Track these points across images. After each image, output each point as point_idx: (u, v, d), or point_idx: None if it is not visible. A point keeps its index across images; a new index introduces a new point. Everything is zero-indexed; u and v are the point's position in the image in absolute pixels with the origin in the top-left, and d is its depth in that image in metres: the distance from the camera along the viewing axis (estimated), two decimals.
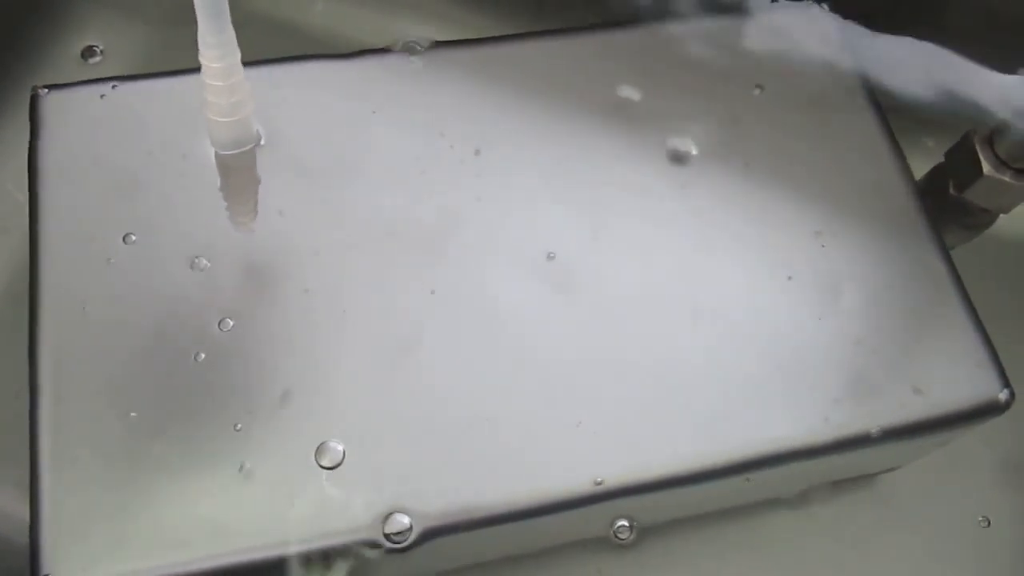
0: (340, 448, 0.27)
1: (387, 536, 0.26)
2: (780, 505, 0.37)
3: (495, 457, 0.28)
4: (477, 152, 0.33)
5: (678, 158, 0.33)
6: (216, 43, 0.22)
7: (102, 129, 0.32)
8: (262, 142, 0.26)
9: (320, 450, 0.27)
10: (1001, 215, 0.36)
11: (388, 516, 0.26)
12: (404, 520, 0.26)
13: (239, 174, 0.31)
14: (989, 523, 0.38)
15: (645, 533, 0.37)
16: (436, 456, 0.27)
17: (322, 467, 0.26)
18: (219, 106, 0.23)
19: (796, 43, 0.36)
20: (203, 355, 0.28)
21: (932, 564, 0.38)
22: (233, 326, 0.28)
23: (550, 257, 0.31)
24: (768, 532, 0.37)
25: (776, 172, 0.33)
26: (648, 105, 0.34)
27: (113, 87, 0.33)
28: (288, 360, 0.28)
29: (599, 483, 0.28)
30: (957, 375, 0.31)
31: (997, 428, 0.32)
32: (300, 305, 0.29)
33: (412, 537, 0.26)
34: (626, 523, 0.33)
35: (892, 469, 0.38)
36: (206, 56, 0.22)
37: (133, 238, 0.30)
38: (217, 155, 0.25)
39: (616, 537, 0.34)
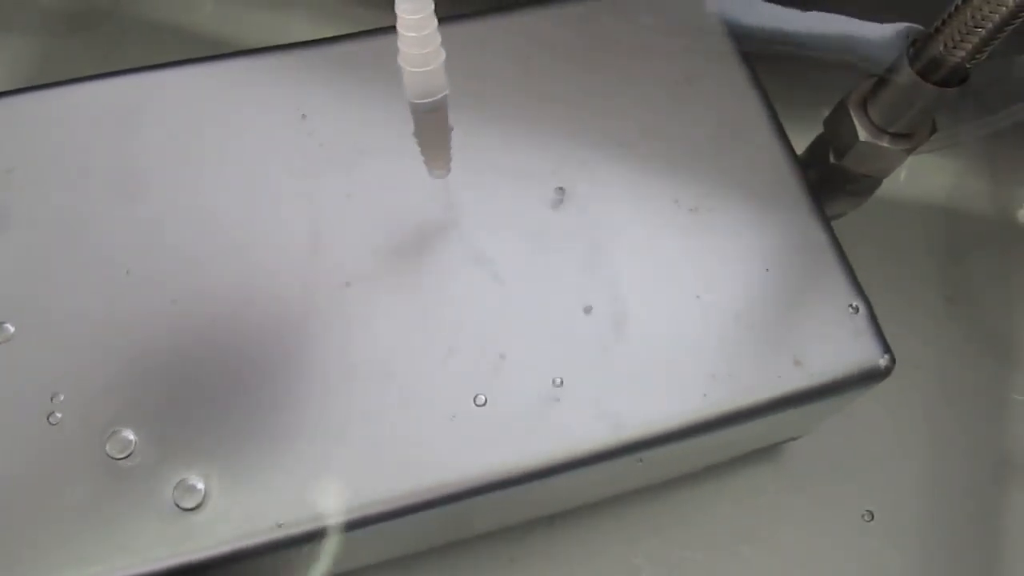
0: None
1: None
2: (686, 480, 0.37)
3: (369, 453, 0.28)
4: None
5: (554, 143, 0.33)
6: None
7: None
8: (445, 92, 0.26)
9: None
10: (886, 180, 0.35)
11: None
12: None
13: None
14: (870, 518, 0.39)
15: (555, 519, 0.37)
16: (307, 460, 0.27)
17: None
18: (413, 56, 0.25)
19: (669, 20, 0.36)
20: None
21: (838, 526, 0.38)
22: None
23: (435, 251, 0.31)
24: (678, 509, 0.38)
25: (651, 152, 0.33)
26: (522, 89, 0.34)
27: None
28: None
29: (482, 477, 0.28)
30: (837, 344, 0.31)
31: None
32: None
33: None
34: None
35: (794, 438, 0.38)
36: (401, 7, 0.23)
37: None
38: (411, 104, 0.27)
39: None
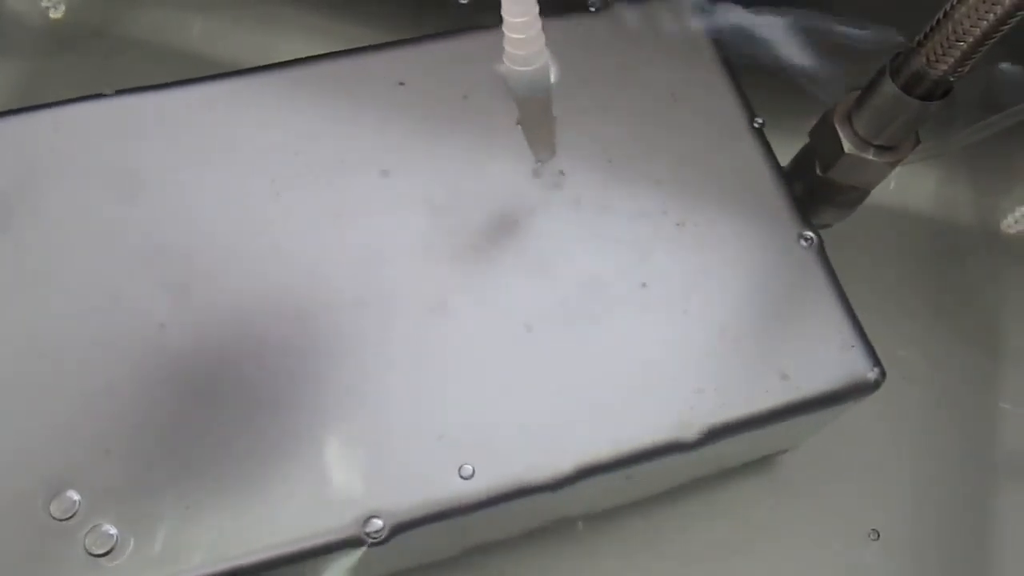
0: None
1: None
2: (676, 493, 0.37)
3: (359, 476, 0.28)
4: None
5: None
6: None
7: None
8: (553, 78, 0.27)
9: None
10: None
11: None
12: None
13: None
14: (877, 535, 0.39)
15: (547, 531, 0.37)
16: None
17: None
18: (518, 57, 0.26)
19: (655, 34, 0.36)
20: None
21: (832, 537, 0.38)
22: None
23: (423, 274, 0.31)
24: (669, 523, 0.38)
25: (637, 166, 0.33)
26: (509, 105, 0.34)
27: None
28: None
29: (468, 497, 0.28)
30: (825, 357, 0.31)
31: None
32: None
33: None
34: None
35: (784, 451, 0.38)
36: (508, 10, 0.24)
37: None
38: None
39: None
